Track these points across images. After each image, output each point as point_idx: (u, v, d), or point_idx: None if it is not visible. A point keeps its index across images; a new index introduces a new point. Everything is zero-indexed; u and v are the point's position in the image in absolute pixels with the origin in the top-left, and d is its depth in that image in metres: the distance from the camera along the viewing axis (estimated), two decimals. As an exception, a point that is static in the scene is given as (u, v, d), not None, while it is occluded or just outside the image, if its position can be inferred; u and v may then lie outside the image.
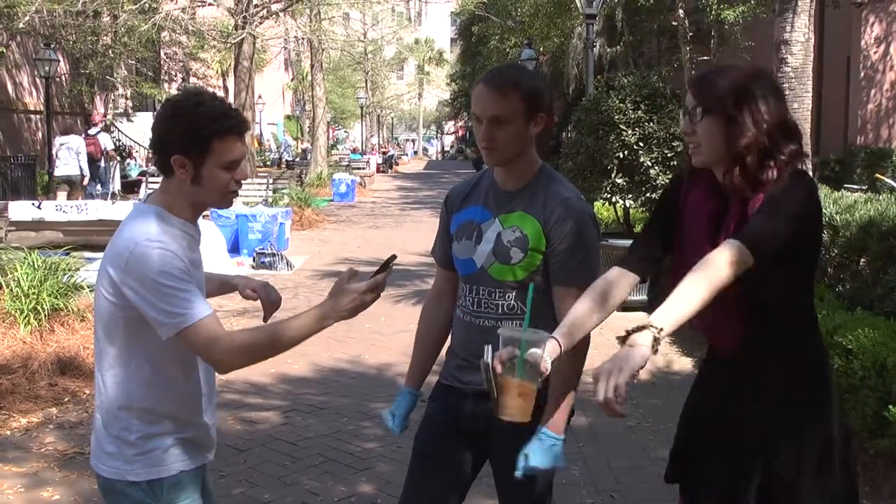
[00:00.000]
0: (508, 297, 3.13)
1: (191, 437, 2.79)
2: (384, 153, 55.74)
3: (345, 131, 69.23)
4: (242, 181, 2.80)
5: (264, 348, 2.63)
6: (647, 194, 10.82)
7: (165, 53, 35.06)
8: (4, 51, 24.58)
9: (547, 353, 2.55)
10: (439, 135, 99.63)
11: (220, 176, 2.70)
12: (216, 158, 2.67)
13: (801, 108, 9.86)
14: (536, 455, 2.97)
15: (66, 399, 7.16)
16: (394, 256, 2.87)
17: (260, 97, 41.95)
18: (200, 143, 2.64)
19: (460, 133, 43.94)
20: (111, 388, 2.71)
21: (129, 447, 2.70)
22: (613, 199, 11.04)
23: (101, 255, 2.77)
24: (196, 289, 2.61)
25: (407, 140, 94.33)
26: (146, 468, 2.70)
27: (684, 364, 8.26)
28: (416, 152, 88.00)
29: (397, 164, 54.66)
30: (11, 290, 8.39)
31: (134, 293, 2.58)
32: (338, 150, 53.30)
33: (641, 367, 2.36)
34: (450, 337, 3.40)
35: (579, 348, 3.06)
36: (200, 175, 2.68)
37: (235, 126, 2.70)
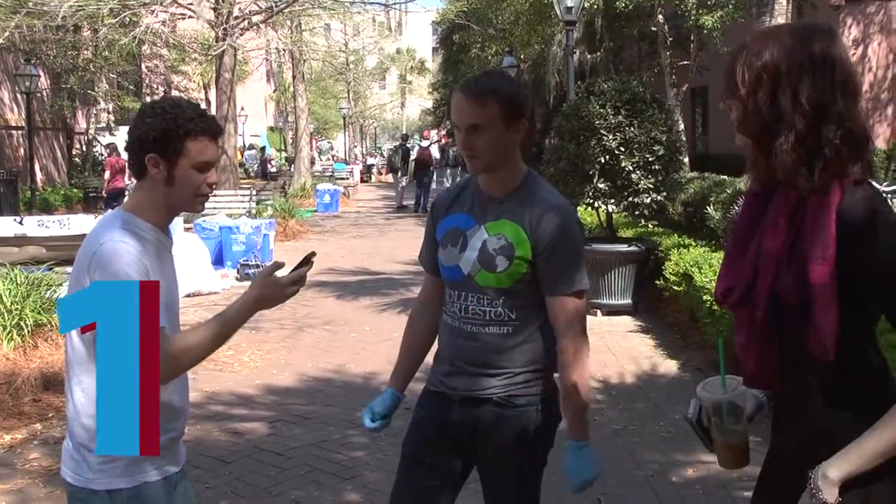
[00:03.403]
0: (495, 304, 3.13)
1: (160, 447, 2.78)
2: (364, 163, 55.69)
3: (328, 142, 69.21)
4: (214, 185, 2.84)
5: (206, 346, 2.73)
6: (630, 199, 10.85)
7: (147, 67, 35.08)
8: (-16, 67, 24.53)
9: (748, 409, 2.53)
10: (419, 143, 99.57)
11: (193, 177, 2.74)
12: (190, 159, 2.72)
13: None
14: (576, 469, 3.08)
15: (51, 415, 7.13)
16: (313, 253, 2.93)
17: (242, 109, 41.91)
18: (175, 142, 2.69)
19: (443, 141, 43.96)
20: (79, 397, 2.71)
21: (92, 456, 2.69)
22: (596, 204, 11.06)
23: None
24: None
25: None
26: (108, 478, 2.69)
27: (669, 367, 8.27)
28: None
29: (381, 174, 54.62)
30: (-6, 306, 8.36)
31: None
32: (321, 160, 53.18)
33: None
34: (437, 343, 3.40)
35: (582, 358, 3.10)
36: (174, 176, 2.72)
37: (209, 127, 2.75)
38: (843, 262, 2.10)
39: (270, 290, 2.78)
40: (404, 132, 43.32)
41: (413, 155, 31.55)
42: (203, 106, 2.92)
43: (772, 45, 2.19)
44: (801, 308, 2.16)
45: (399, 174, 31.82)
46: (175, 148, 2.70)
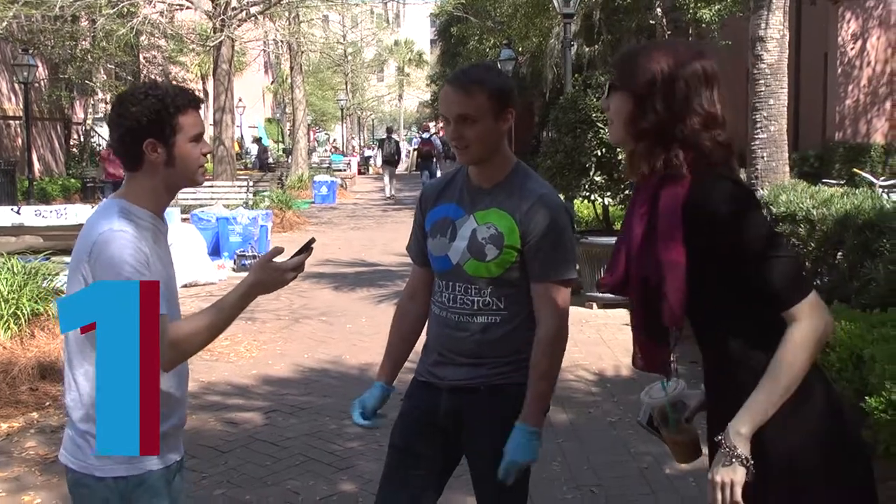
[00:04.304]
0: (483, 293, 3.15)
1: (160, 436, 2.80)
2: (361, 154, 55.60)
3: (325, 133, 69.10)
4: (209, 153, 2.90)
5: (207, 333, 2.75)
6: (626, 192, 10.86)
7: (144, 57, 35.01)
8: (-18, 57, 24.49)
9: (690, 408, 2.79)
10: (419, 135, 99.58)
11: (191, 150, 2.78)
12: (185, 134, 2.75)
13: (777, 104, 9.94)
14: (515, 450, 3.03)
15: (48, 403, 7.15)
16: (313, 239, 2.97)
17: (240, 100, 41.87)
18: (169, 121, 2.72)
19: (441, 133, 43.86)
20: (82, 384, 2.72)
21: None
22: (592, 197, 11.09)
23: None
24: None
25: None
26: (113, 465, 2.70)
27: (664, 360, 8.28)
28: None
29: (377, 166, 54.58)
30: (-9, 295, 8.37)
31: (94, 279, 2.62)
32: (318, 152, 53.12)
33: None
34: (425, 333, 3.42)
35: (557, 347, 3.12)
36: (173, 155, 2.75)
37: (193, 98, 2.80)
38: (696, 244, 2.37)
39: (270, 275, 2.79)
40: (388, 125, 43.61)
41: (406, 148, 31.79)
42: (201, 97, 2.94)
43: (666, 55, 2.48)
44: (658, 287, 2.41)
45: (386, 166, 32.55)
46: (170, 127, 2.72)
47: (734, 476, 2.32)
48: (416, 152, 31.40)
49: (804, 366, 2.33)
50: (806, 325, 2.33)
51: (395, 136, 35.25)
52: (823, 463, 2.40)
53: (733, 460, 2.32)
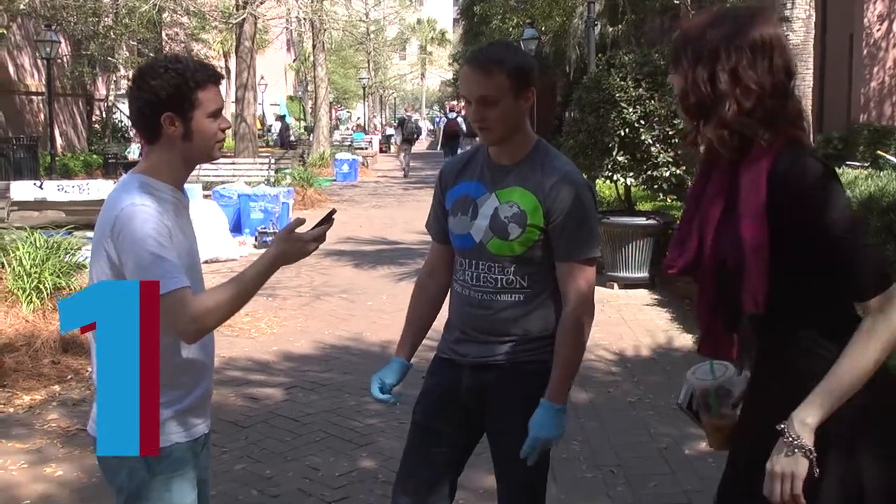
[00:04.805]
0: (507, 271, 3.14)
1: (186, 408, 2.80)
2: (383, 133, 55.59)
3: (347, 111, 69.08)
4: (227, 128, 2.88)
5: (229, 306, 2.73)
6: (648, 172, 10.81)
7: (167, 34, 35.03)
8: (5, 32, 24.56)
9: (735, 395, 2.67)
10: (442, 114, 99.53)
11: (209, 126, 2.78)
12: (203, 109, 2.75)
13: (803, 85, 9.84)
14: (540, 426, 3.04)
15: (69, 377, 7.19)
16: (334, 210, 2.97)
17: (262, 78, 41.87)
18: (188, 95, 2.71)
19: (463, 113, 43.70)
20: None
21: None
22: (615, 177, 11.03)
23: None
24: (173, 256, 2.63)
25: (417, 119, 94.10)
26: None
27: (685, 341, 8.27)
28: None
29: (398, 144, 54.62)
30: (14, 269, 8.43)
31: (118, 255, 2.63)
32: (340, 130, 53.12)
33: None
34: (448, 310, 3.41)
35: (584, 326, 3.11)
36: (191, 129, 2.74)
37: (213, 74, 2.80)
38: (782, 224, 2.26)
39: (293, 246, 2.79)
40: (400, 116, 44.45)
41: (429, 127, 32.36)
42: (221, 72, 2.93)
43: (715, 27, 2.37)
44: (738, 269, 2.30)
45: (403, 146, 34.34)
46: (189, 102, 2.72)
47: (796, 468, 2.22)
48: (443, 131, 31.97)
49: (877, 360, 2.21)
50: (884, 318, 2.21)
51: (414, 116, 36.36)
52: (886, 464, 2.29)
53: (796, 451, 2.21)
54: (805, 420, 2.21)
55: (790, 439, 2.22)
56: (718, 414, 2.66)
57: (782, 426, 2.24)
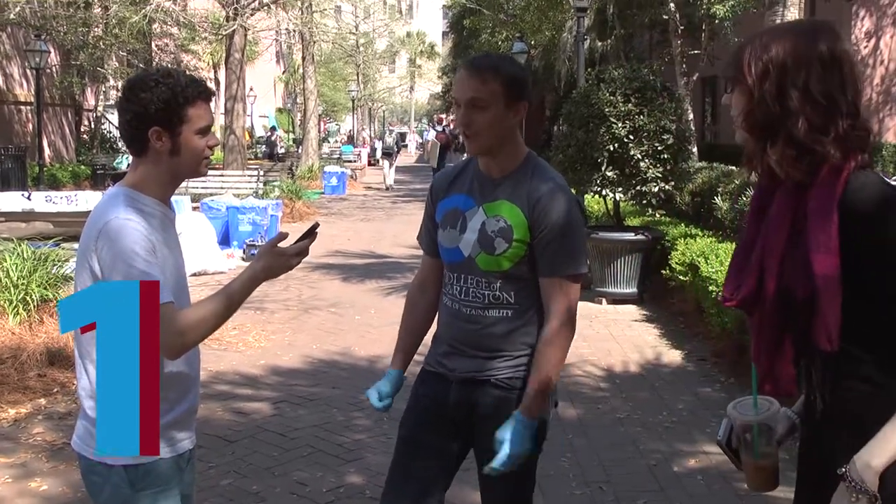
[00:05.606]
0: (494, 286, 3.12)
1: (170, 423, 2.78)
2: (371, 146, 55.63)
3: (336, 124, 69.13)
4: (215, 146, 2.87)
5: (213, 322, 2.71)
6: (637, 187, 10.83)
7: (157, 45, 35.01)
8: (-6, 42, 24.49)
9: (780, 431, 2.51)
10: (431, 127, 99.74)
11: (196, 142, 2.77)
12: (191, 125, 2.74)
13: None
14: (515, 440, 3.00)
15: (55, 390, 7.15)
16: (317, 224, 2.98)
17: (251, 89, 41.81)
18: (177, 111, 2.70)
19: (451, 126, 43.75)
20: (91, 373, 2.71)
21: None
22: (603, 192, 11.04)
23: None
24: (157, 272, 2.61)
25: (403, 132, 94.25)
26: None
27: (674, 357, 8.26)
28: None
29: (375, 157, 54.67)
30: (0, 280, 8.37)
31: (101, 269, 2.62)
32: (329, 142, 53.13)
33: None
34: (436, 323, 3.40)
35: (563, 342, 3.09)
36: (178, 144, 2.74)
37: (204, 91, 2.78)
38: (851, 251, 2.09)
39: (276, 260, 2.79)
40: (381, 133, 44.88)
41: (417, 140, 32.42)
42: (212, 86, 2.92)
43: (780, 40, 2.22)
44: (808, 302, 2.13)
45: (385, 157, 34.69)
46: (178, 117, 2.71)
47: None
48: (433, 143, 32.11)
49: None
50: None
51: (396, 129, 36.76)
52: None
53: (860, 496, 2.05)
54: (870, 463, 2.06)
55: (852, 483, 2.07)
56: (760, 452, 2.49)
57: (844, 469, 2.09)
